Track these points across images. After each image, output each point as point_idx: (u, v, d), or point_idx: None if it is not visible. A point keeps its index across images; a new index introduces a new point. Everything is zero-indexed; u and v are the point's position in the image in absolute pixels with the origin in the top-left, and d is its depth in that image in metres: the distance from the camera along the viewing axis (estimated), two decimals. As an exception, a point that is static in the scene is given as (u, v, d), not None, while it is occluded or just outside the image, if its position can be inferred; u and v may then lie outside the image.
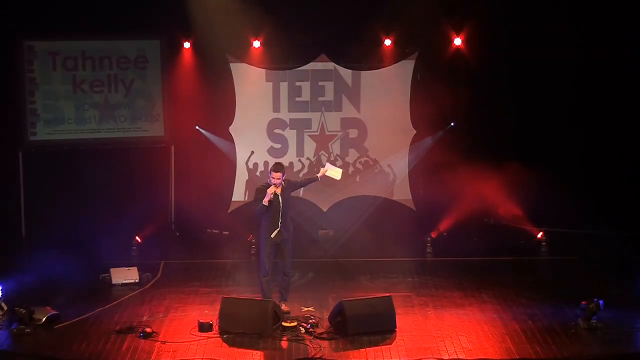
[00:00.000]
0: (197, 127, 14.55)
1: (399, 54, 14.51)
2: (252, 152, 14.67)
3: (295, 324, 9.77)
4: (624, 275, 11.71)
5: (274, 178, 10.11)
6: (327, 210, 14.68)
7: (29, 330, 9.65)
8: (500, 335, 9.63)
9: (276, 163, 10.46)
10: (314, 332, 9.63)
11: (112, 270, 11.71)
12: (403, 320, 9.99)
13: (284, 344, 9.37)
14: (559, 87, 13.82)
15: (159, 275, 12.14)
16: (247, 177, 14.79)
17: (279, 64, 14.52)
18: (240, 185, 14.82)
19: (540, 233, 13.66)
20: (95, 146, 14.60)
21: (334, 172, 10.49)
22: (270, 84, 14.67)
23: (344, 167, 14.58)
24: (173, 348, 9.27)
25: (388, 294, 10.24)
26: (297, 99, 14.69)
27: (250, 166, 14.73)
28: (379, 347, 9.33)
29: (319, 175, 10.48)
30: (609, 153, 13.88)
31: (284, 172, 10.23)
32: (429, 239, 13.45)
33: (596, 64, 13.67)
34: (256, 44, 14.28)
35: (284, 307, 10.34)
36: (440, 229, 13.93)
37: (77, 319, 10.12)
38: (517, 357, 9.03)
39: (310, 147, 14.73)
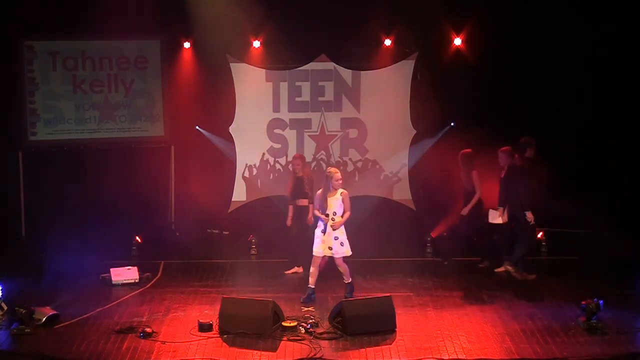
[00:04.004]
0: (197, 127, 14.56)
1: (399, 54, 14.50)
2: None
3: (295, 324, 9.78)
4: (624, 275, 11.71)
5: None
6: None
7: (29, 330, 9.65)
8: (500, 335, 9.63)
9: None
10: (314, 332, 9.63)
11: (112, 270, 11.71)
12: (403, 320, 9.99)
13: (284, 344, 9.36)
14: (559, 87, 13.80)
15: (159, 275, 12.14)
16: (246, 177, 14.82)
17: (279, 64, 14.51)
18: (240, 185, 14.82)
19: (540, 233, 13.64)
20: (95, 146, 14.61)
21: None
22: (270, 84, 14.66)
23: (344, 167, 14.58)
24: (173, 348, 9.27)
25: (388, 294, 10.24)
26: (297, 99, 14.69)
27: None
28: (379, 347, 9.33)
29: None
30: (609, 153, 13.86)
31: None
32: (429, 239, 13.43)
33: (597, 64, 13.66)
34: (256, 44, 14.29)
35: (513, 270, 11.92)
36: (440, 229, 13.91)
37: (77, 319, 10.12)
38: (517, 357, 9.02)
39: (310, 147, 14.72)
